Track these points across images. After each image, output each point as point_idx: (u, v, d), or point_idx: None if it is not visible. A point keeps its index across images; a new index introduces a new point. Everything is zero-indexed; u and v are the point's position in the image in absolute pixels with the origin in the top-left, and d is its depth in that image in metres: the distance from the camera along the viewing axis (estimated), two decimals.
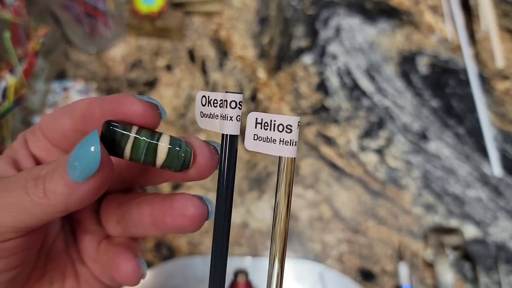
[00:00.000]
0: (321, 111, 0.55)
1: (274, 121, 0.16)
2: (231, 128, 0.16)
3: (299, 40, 0.60)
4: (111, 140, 0.15)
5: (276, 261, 0.16)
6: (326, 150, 0.53)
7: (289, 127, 0.16)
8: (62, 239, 0.21)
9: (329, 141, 0.53)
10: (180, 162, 0.16)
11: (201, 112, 0.17)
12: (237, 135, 0.16)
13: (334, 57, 0.59)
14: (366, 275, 0.46)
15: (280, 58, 0.59)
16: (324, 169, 0.51)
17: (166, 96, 0.55)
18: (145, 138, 0.16)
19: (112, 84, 0.56)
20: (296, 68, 0.58)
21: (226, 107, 0.16)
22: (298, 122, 0.16)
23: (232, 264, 0.45)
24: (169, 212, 0.17)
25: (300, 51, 0.59)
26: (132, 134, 0.16)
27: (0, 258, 0.16)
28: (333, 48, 0.60)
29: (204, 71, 0.57)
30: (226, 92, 0.16)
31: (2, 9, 0.48)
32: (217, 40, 0.60)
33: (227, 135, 0.16)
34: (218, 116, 0.17)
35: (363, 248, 0.47)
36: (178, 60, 0.58)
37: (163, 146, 0.16)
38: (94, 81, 0.56)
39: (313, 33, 0.61)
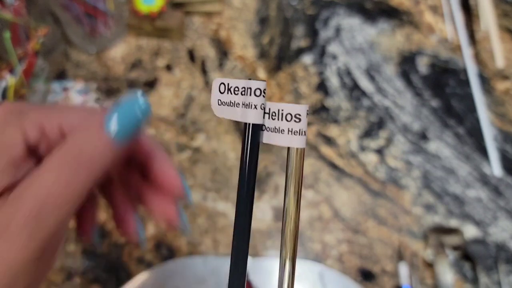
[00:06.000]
0: (321, 111, 0.55)
1: (282, 110, 0.15)
2: (255, 117, 0.16)
3: (299, 40, 0.60)
4: None
5: (287, 261, 0.16)
6: (326, 150, 0.53)
7: (298, 116, 0.15)
8: None
9: (329, 141, 0.53)
10: None
11: (219, 100, 0.17)
12: (260, 124, 0.16)
13: (334, 57, 0.59)
14: (366, 275, 0.46)
15: (280, 58, 0.59)
16: (324, 169, 0.51)
17: (166, 96, 0.55)
18: None
19: (112, 84, 0.56)
20: (296, 68, 0.58)
21: (250, 94, 0.15)
22: (307, 110, 0.15)
23: None
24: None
25: (300, 51, 0.59)
26: None
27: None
28: (333, 48, 0.60)
29: (204, 71, 0.57)
30: (249, 79, 0.16)
31: (2, 9, 0.48)
32: (217, 40, 0.60)
33: (249, 124, 0.16)
34: (239, 104, 0.16)
35: (363, 248, 0.47)
36: (178, 60, 0.58)
37: None
38: (94, 81, 0.56)
39: (313, 33, 0.61)
